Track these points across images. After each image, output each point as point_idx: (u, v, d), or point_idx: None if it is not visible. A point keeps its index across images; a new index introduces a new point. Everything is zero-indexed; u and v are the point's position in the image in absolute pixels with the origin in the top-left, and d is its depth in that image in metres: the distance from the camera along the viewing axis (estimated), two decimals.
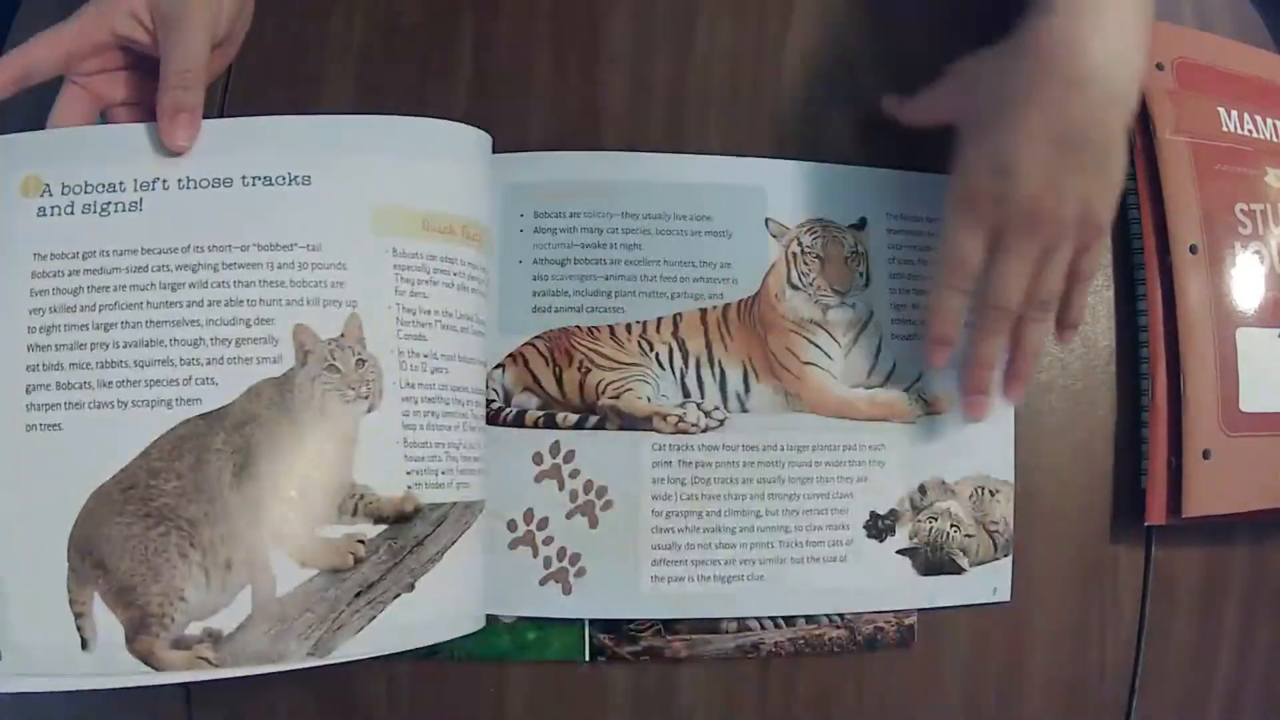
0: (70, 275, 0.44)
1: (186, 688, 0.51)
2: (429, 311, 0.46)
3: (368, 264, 0.45)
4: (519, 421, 0.51)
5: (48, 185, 0.45)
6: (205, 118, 0.45)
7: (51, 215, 0.44)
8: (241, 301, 0.44)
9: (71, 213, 0.44)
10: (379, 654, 0.44)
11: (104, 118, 0.47)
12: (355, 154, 0.46)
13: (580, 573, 0.50)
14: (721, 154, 0.54)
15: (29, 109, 0.47)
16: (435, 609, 0.46)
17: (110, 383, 0.43)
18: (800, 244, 0.53)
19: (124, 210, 0.44)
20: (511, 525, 0.50)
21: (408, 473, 0.45)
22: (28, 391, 0.43)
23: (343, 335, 0.44)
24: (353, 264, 0.45)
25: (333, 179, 0.45)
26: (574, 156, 0.53)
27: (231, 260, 0.44)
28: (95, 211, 0.44)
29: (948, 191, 0.49)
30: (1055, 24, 0.45)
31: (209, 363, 0.43)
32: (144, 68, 0.46)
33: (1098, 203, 0.47)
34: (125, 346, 0.43)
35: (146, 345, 0.43)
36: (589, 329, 0.51)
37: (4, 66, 0.44)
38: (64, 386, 0.43)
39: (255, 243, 0.44)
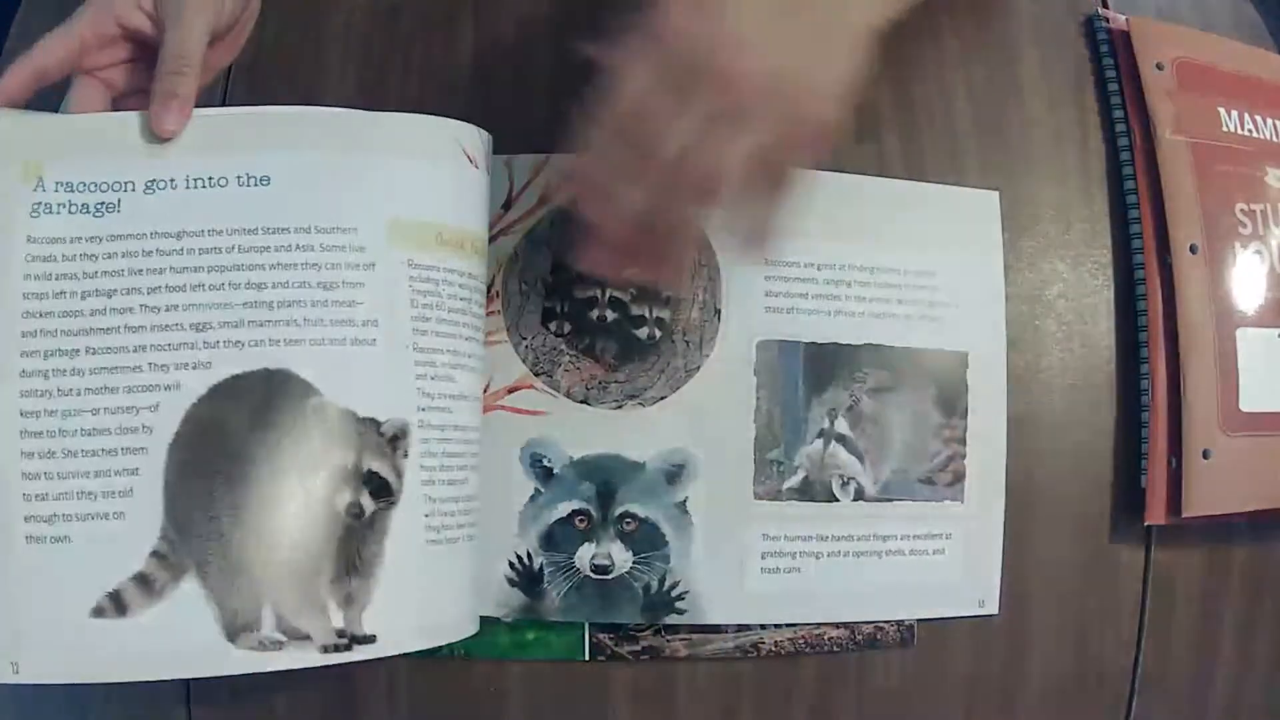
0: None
1: (187, 686, 0.51)
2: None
3: (386, 283, 0.45)
4: None
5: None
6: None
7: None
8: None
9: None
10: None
11: (114, 108, 0.47)
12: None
13: None
14: None
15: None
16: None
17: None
18: None
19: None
20: None
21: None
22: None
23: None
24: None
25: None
26: None
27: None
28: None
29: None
30: None
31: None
32: (152, 60, 0.46)
33: (806, 88, 0.38)
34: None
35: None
36: None
37: (16, 70, 0.44)
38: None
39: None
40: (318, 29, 0.55)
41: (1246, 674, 0.57)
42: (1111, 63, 0.58)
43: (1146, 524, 0.54)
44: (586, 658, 0.51)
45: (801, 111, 0.38)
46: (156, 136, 0.44)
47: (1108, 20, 0.59)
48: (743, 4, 0.37)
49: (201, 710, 0.51)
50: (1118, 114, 0.58)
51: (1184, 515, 0.53)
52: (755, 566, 0.52)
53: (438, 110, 0.48)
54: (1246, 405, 0.54)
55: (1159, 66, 0.57)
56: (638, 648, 0.52)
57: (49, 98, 0.46)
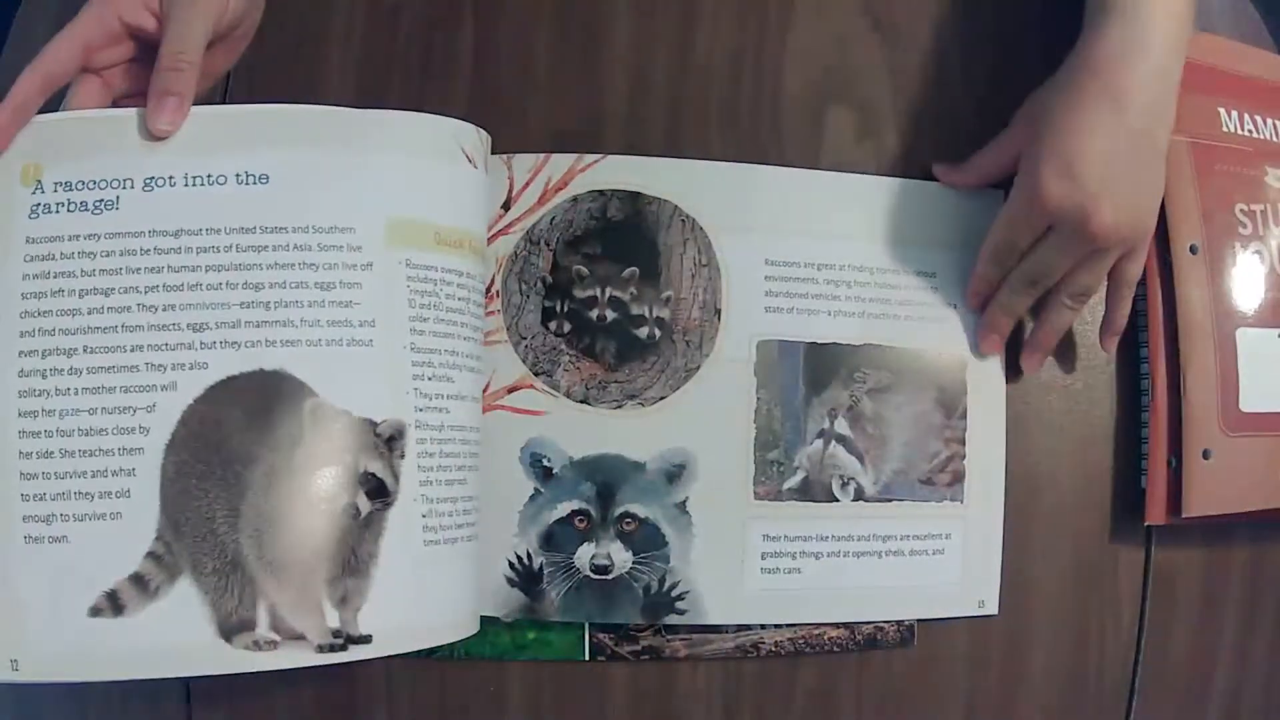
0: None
1: (187, 686, 0.51)
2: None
3: (384, 283, 0.45)
4: None
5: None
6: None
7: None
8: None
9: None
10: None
11: (115, 107, 0.47)
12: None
13: None
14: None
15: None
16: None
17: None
18: None
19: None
20: None
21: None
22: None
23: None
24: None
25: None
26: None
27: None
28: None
29: (1014, 187, 0.51)
30: (1108, 42, 0.49)
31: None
32: (154, 61, 0.46)
33: (1144, 212, 0.50)
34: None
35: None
36: None
37: (27, 79, 0.43)
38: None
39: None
40: (318, 29, 0.55)
41: (1246, 674, 0.57)
42: None
43: (1146, 524, 0.54)
44: (586, 658, 0.51)
45: (1140, 235, 0.51)
46: (152, 135, 0.44)
47: None
48: (1102, 169, 0.48)
49: (202, 709, 0.51)
50: None
51: (1184, 515, 0.53)
52: (755, 567, 0.52)
53: (438, 110, 0.48)
54: (1246, 405, 0.54)
55: None
56: (638, 648, 0.52)
57: (52, 98, 0.46)
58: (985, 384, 0.55)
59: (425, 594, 0.45)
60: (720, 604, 0.52)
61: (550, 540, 0.51)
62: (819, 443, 0.53)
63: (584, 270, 0.52)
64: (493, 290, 0.52)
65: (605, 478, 0.51)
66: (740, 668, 0.52)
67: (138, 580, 0.42)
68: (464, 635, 0.48)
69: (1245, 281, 0.55)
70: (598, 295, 0.52)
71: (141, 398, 0.42)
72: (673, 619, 0.51)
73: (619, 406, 0.52)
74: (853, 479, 0.53)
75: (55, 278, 0.43)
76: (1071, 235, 0.49)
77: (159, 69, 0.43)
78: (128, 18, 0.45)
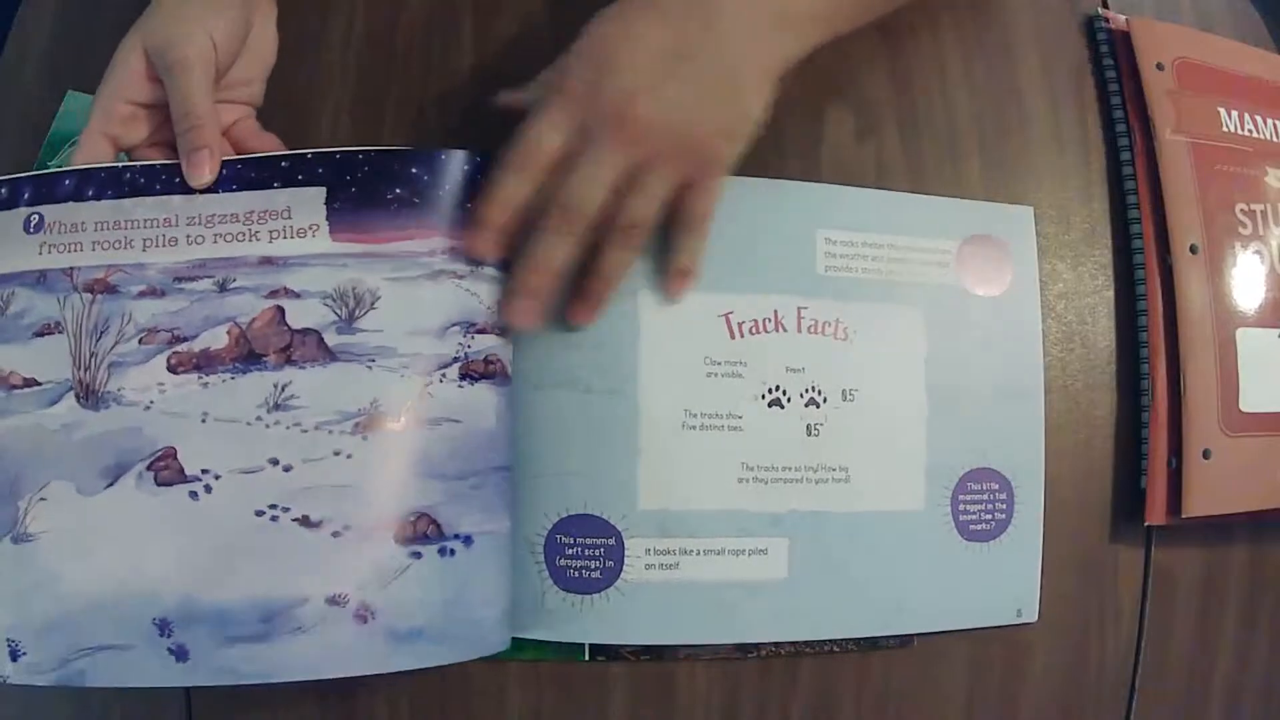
0: None
1: (187, 690, 0.51)
2: None
3: None
4: None
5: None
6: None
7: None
8: None
9: None
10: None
11: (129, 156, 0.48)
12: None
13: None
14: None
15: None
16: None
17: None
18: None
19: None
20: None
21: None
22: None
23: None
24: None
25: None
26: None
27: None
28: None
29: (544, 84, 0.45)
30: None
31: None
32: (154, 109, 0.48)
33: (710, 130, 0.44)
34: None
35: None
36: None
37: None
38: None
39: None
40: (318, 29, 0.55)
41: (1246, 674, 0.57)
42: (1111, 63, 0.58)
43: (1146, 524, 0.54)
44: (587, 658, 0.51)
45: (697, 152, 0.44)
46: (193, 186, 0.46)
47: (1108, 20, 0.59)
48: (636, 56, 0.42)
49: (202, 710, 0.51)
50: (1118, 114, 0.58)
51: (1184, 515, 0.53)
52: None
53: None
54: (1246, 405, 0.55)
55: (1159, 66, 0.57)
56: (638, 647, 0.52)
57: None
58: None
59: None
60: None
61: None
62: None
63: None
64: None
65: None
66: (740, 668, 0.52)
67: None
68: (495, 650, 0.47)
69: (1245, 281, 0.55)
70: None
71: None
72: None
73: None
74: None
75: None
76: (606, 134, 0.42)
77: (179, 133, 0.45)
78: (135, 97, 0.46)
